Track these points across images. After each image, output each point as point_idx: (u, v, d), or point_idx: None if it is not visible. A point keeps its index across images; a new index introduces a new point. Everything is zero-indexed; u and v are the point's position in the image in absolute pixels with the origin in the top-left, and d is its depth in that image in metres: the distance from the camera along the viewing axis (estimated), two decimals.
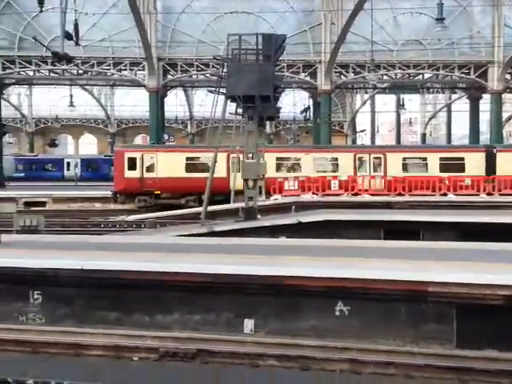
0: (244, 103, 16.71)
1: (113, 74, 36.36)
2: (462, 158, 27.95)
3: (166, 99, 38.71)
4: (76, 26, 19.08)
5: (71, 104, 48.77)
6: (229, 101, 17.08)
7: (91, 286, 9.24)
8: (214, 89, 18.03)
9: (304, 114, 42.30)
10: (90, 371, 7.26)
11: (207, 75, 35.51)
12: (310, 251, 10.42)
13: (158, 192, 27.50)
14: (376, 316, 7.79)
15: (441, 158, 28.07)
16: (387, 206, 21.29)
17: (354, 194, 24.83)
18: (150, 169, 27.75)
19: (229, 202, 26.98)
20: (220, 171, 26.03)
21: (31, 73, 37.04)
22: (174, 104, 55.03)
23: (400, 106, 54.02)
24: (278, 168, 27.95)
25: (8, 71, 34.99)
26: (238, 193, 26.80)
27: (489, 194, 25.03)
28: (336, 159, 28.32)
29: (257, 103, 16.31)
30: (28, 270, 9.29)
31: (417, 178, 25.88)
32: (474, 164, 27.53)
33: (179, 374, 7.16)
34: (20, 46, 34.05)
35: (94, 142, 66.45)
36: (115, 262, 9.40)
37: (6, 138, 50.13)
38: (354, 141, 58.86)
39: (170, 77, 35.49)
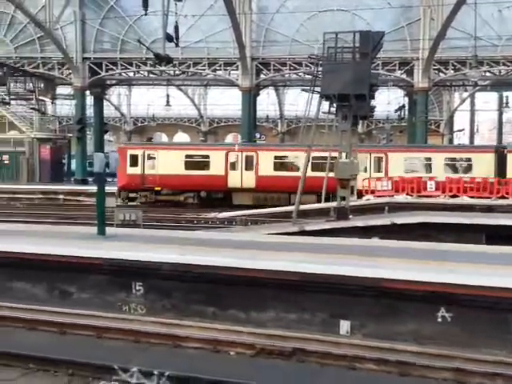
0: (338, 102, 16.53)
1: (207, 74, 37.28)
2: (469, 159, 26.59)
3: (258, 98, 39.09)
4: (176, 28, 19.74)
5: (168, 104, 50.53)
6: (322, 99, 16.99)
7: (189, 280, 9.51)
8: (308, 88, 17.99)
9: (398, 112, 41.20)
10: (189, 363, 7.44)
11: (300, 74, 35.50)
12: (406, 253, 10.12)
13: (159, 188, 27.93)
14: (482, 324, 7.41)
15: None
16: (488, 209, 20.29)
17: (452, 196, 23.82)
18: (151, 166, 28.23)
19: (226, 200, 28.16)
20: (219, 169, 27.40)
21: (131, 74, 38.78)
22: (266, 103, 55.47)
23: (504, 104, 51.17)
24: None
25: (110, 72, 36.81)
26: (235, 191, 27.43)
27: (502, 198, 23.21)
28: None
29: (352, 102, 16.08)
30: (131, 263, 9.71)
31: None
32: (483, 165, 25.73)
33: (276, 372, 7.17)
34: (122, 48, 35.72)
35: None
36: (212, 258, 9.62)
37: (106, 136, 52.72)
38: (450, 140, 56.57)
39: (262, 76, 35.84)
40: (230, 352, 7.82)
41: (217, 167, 27.47)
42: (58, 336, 8.59)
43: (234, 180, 27.48)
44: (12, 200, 30.21)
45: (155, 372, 6.71)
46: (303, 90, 23.98)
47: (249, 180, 27.38)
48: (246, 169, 27.35)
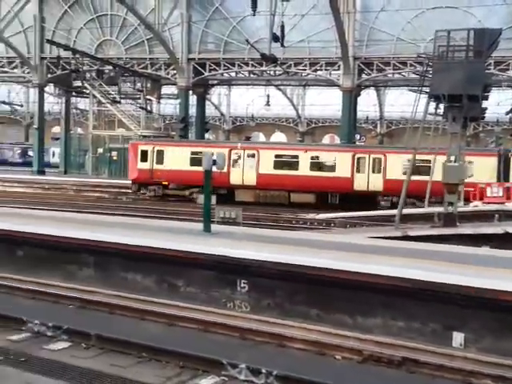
0: (448, 102, 15.85)
1: (308, 74, 37.20)
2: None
3: (358, 99, 38.46)
4: (282, 28, 19.82)
5: (267, 103, 51.05)
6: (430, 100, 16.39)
7: (292, 279, 9.50)
8: (415, 88, 17.41)
9: (510, 114, 38.91)
10: (294, 364, 7.40)
11: (404, 74, 34.49)
12: None
13: (166, 183, 28.86)
14: None
15: None
16: None
17: None
18: (159, 161, 29.06)
19: (229, 196, 28.00)
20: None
21: (233, 74, 39.52)
22: (365, 104, 54.51)
23: None
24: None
25: (213, 73, 37.73)
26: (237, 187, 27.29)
27: None
28: None
29: (463, 103, 15.36)
30: (236, 260, 9.86)
31: None
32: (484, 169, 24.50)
33: (384, 380, 6.98)
34: (225, 49, 36.50)
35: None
36: (315, 259, 9.53)
37: (206, 135, 54.20)
38: None
39: (364, 76, 35.19)
40: (335, 356, 7.71)
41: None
42: (167, 327, 8.89)
43: (236, 177, 27.85)
44: (119, 194, 31.81)
45: (263, 370, 6.76)
46: (410, 90, 23.30)
47: (250, 177, 27.61)
48: (249, 166, 27.82)
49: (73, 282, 11.10)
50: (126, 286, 10.73)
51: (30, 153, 51.83)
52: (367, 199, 26.16)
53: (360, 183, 26.64)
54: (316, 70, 35.63)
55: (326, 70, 35.37)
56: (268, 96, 51.69)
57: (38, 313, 8.99)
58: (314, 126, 65.63)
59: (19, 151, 60.00)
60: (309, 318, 9.10)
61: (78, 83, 39.44)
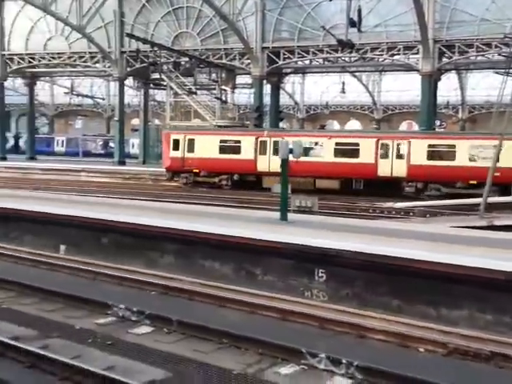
0: None
1: (385, 60, 36.21)
2: None
3: (438, 83, 37.00)
4: (359, 12, 19.32)
5: (343, 91, 50.26)
6: None
7: (372, 269, 9.29)
8: (501, 70, 16.49)
9: None
10: (375, 355, 7.24)
11: (488, 56, 32.77)
12: None
13: (197, 171, 29.48)
14: None
15: None
16: None
17: None
18: (190, 149, 29.67)
19: (256, 183, 28.33)
20: (249, 154, 28.27)
21: (307, 62, 39.12)
22: (446, 88, 52.43)
23: None
24: None
25: (287, 61, 37.52)
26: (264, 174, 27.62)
27: None
28: None
29: None
30: (314, 249, 9.76)
31: None
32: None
33: (470, 374, 6.68)
34: (299, 36, 36.16)
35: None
36: (394, 249, 9.29)
37: (280, 124, 54.09)
38: None
39: (445, 60, 33.78)
40: (418, 348, 7.47)
41: (247, 152, 28.48)
42: (246, 315, 8.96)
43: (263, 164, 28.08)
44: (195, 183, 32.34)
45: (343, 360, 6.65)
46: (496, 72, 22.07)
47: (276, 164, 26.95)
48: (274, 153, 27.13)
49: (154, 268, 11.44)
50: (205, 273, 10.91)
51: (111, 144, 53.89)
52: (391, 185, 25.92)
53: (384, 169, 26.24)
54: (393, 55, 34.57)
55: (404, 54, 34.22)
56: (343, 83, 50.82)
57: (123, 298, 9.32)
58: (390, 112, 63.96)
59: (101, 143, 62.49)
60: (389, 309, 8.89)
61: (155, 75, 40.37)
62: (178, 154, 30.09)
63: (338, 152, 27.07)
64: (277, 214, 13.22)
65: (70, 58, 43.59)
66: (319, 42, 35.13)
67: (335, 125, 68.79)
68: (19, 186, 27.02)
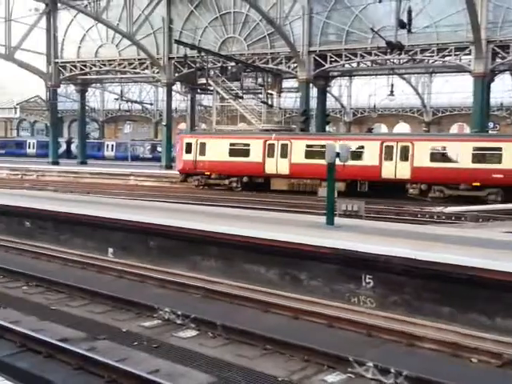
0: None
1: (435, 61, 35.39)
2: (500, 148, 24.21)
3: (491, 84, 35.88)
4: (409, 13, 18.91)
5: (391, 93, 49.46)
6: None
7: (422, 276, 9.00)
8: None
9: None
10: (425, 365, 6.98)
11: None
12: None
13: (208, 173, 30.39)
14: None
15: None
16: None
17: None
18: (202, 153, 30.62)
19: (265, 185, 28.97)
20: (258, 157, 28.92)
21: (354, 64, 38.68)
22: (499, 90, 50.84)
23: None
24: None
25: (334, 64, 37.19)
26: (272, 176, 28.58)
27: None
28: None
29: None
30: (361, 254, 9.55)
31: None
32: None
33: None
34: (347, 39, 35.79)
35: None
36: (445, 255, 8.97)
37: (327, 128, 53.70)
38: None
39: (499, 60, 32.73)
40: (471, 359, 7.17)
41: (256, 155, 29.14)
42: (290, 320, 8.83)
43: (271, 167, 28.80)
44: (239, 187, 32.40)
45: (392, 370, 6.44)
46: None
47: (283, 167, 28.41)
48: (281, 156, 28.37)
49: (197, 272, 11.45)
50: (248, 277, 10.84)
51: (159, 148, 54.69)
52: (395, 187, 26.20)
53: (387, 171, 26.37)
54: (444, 56, 33.69)
55: (455, 55, 33.33)
56: (392, 85, 49.98)
57: (167, 301, 9.36)
58: (440, 115, 62.54)
59: (149, 147, 63.54)
60: (441, 317, 8.58)
61: (202, 80, 40.75)
62: (190, 156, 31.02)
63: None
64: (323, 219, 13.04)
65: (119, 64, 44.55)
66: (367, 45, 34.67)
67: (383, 128, 67.82)
68: (71, 189, 27.75)
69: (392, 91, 49.74)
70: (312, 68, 36.66)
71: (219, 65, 38.40)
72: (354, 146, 26.24)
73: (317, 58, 36.66)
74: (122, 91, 58.83)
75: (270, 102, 39.20)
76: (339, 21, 35.94)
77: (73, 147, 63.36)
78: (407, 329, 8.08)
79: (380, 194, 25.24)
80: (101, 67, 45.54)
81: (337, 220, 13.03)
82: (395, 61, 36.90)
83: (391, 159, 26.36)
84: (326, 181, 25.58)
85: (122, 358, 6.91)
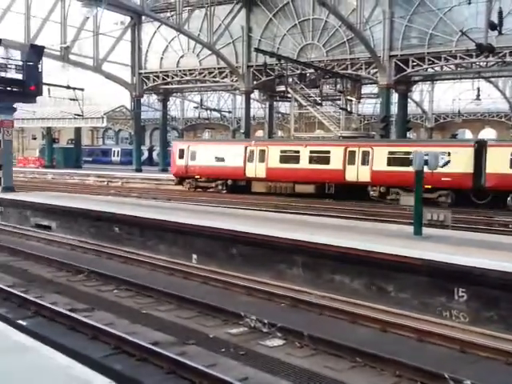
0: None
1: None
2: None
3: None
4: (500, 14, 18.09)
5: (477, 97, 47.49)
6: None
7: None
8: None
9: None
10: None
11: None
12: None
13: (198, 177, 33.35)
14: None
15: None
16: None
17: None
18: (192, 158, 33.46)
19: (247, 188, 31.26)
20: (239, 161, 31.47)
21: (438, 68, 37.51)
22: None
23: None
24: None
25: (416, 69, 36.24)
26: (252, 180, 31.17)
27: None
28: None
29: None
30: (453, 266, 9.17)
31: None
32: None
33: None
34: (430, 42, 34.77)
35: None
36: None
37: (407, 134, 52.35)
38: None
39: None
40: None
41: (237, 160, 31.57)
42: (379, 333, 8.61)
43: (251, 171, 31.12)
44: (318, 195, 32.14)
45: None
46: None
47: (261, 171, 30.86)
48: (260, 161, 30.90)
49: (283, 280, 11.42)
50: (333, 287, 10.69)
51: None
52: (358, 189, 28.15)
53: (350, 175, 28.35)
54: None
55: None
56: (478, 89, 47.92)
57: (253, 309, 9.39)
58: None
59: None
60: None
61: (280, 88, 40.97)
62: (182, 162, 33.92)
63: (313, 159, 29.72)
64: (408, 228, 12.66)
65: (200, 73, 45.62)
66: (451, 48, 33.52)
67: (467, 134, 65.27)
68: (153, 196, 28.62)
69: (478, 95, 47.73)
70: (393, 73, 35.89)
71: (298, 72, 38.44)
72: (317, 150, 30.04)
73: (398, 62, 35.87)
74: (201, 100, 60.18)
75: (349, 109, 38.75)
76: (422, 24, 34.97)
77: (154, 155, 65.48)
78: (505, 346, 7.65)
79: (345, 197, 27.65)
80: (182, 77, 46.83)
81: (424, 230, 12.61)
82: (482, 64, 35.42)
83: (354, 163, 28.33)
84: (299, 183, 28.92)
85: (211, 364, 6.98)
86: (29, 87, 21.08)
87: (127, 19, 47.98)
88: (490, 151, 25.60)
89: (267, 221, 14.90)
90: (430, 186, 24.89)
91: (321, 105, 37.21)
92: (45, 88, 24.40)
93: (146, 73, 48.21)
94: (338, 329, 8.70)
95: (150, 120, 71.05)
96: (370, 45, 35.79)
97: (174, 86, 50.42)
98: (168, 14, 42.72)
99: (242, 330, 8.59)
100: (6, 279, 11.38)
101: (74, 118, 47.94)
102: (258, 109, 59.40)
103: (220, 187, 32.74)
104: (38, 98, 22.68)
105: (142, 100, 51.75)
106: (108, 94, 54.27)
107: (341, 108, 38.31)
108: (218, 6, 42.59)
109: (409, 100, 49.27)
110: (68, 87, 41.51)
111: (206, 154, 33.29)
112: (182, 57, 46.26)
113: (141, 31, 47.90)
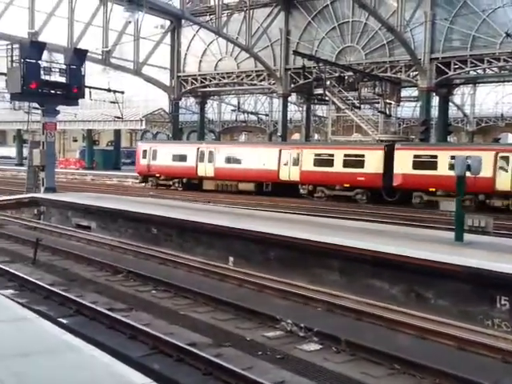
0: None
1: None
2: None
3: None
4: None
5: None
6: None
7: None
8: None
9: None
10: None
11: None
12: None
13: (158, 175, 36.50)
14: None
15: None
16: None
17: None
18: (154, 158, 36.57)
19: (199, 185, 34.46)
20: (192, 162, 34.71)
21: (480, 71, 36.72)
22: None
23: None
24: None
25: (458, 71, 35.56)
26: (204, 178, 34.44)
27: None
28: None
29: None
30: (496, 274, 8.94)
31: None
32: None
33: None
34: (473, 44, 34.08)
35: None
36: None
37: (448, 138, 51.36)
38: None
39: None
40: None
41: (191, 160, 34.78)
42: (417, 340, 8.45)
43: (202, 170, 34.38)
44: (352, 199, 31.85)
45: None
46: None
47: (210, 170, 34.04)
48: (209, 161, 34.04)
49: (319, 284, 11.32)
50: (370, 292, 10.54)
51: None
52: (290, 187, 30.77)
53: (283, 174, 31.27)
54: None
55: None
56: None
57: (289, 312, 9.34)
58: None
59: None
60: None
61: (318, 91, 40.76)
62: (145, 161, 37.03)
63: (253, 160, 32.50)
64: (448, 234, 12.41)
65: (238, 76, 45.86)
66: (495, 50, 32.77)
67: (510, 137, 63.60)
68: (194, 199, 28.85)
69: None
70: (434, 76, 35.32)
71: (336, 75, 38.20)
72: (257, 153, 33.10)
73: (439, 65, 35.28)
74: (238, 102, 60.44)
75: (387, 112, 38.29)
76: (464, 26, 34.30)
77: None
78: None
79: (280, 193, 30.17)
80: (220, 80, 47.16)
81: (465, 236, 12.34)
82: None
83: (286, 164, 31.27)
84: (241, 182, 31.73)
85: (248, 367, 6.97)
86: (72, 90, 21.53)
87: (167, 23, 48.62)
88: (396, 154, 28.20)
89: (301, 224, 14.83)
90: (348, 185, 28.84)
91: (359, 108, 36.85)
92: (86, 91, 24.83)
93: (184, 76, 48.73)
94: (376, 335, 8.57)
95: (187, 123, 71.69)
96: (410, 47, 35.31)
97: (212, 89, 50.80)
98: (207, 18, 43.12)
99: (278, 334, 8.56)
100: (48, 278, 11.64)
101: (114, 121, 48.82)
102: (295, 112, 59.24)
103: (177, 185, 35.78)
104: (79, 101, 23.14)
105: (180, 103, 52.31)
106: (146, 96, 55.07)
107: (379, 111, 37.89)
108: (257, 9, 42.77)
109: (450, 103, 48.40)
110: (109, 90, 42.28)
111: (164, 155, 36.36)
112: (220, 60, 46.59)
113: (180, 35, 48.43)
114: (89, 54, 24.98)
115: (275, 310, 9.45)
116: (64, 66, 22.12)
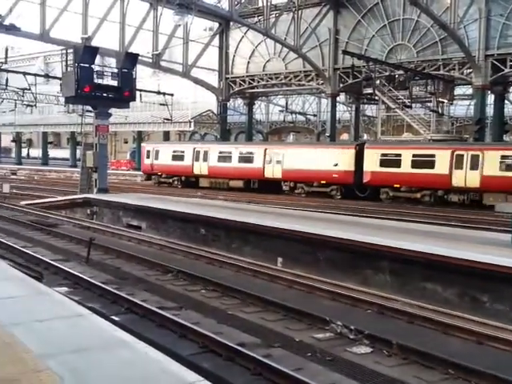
0: None
1: None
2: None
3: None
4: None
5: None
6: None
7: None
8: None
9: None
10: None
11: None
12: None
13: (160, 173, 39.55)
14: None
15: None
16: None
17: None
18: (156, 158, 39.62)
19: (196, 183, 37.75)
20: (189, 161, 37.79)
21: None
22: None
23: None
24: None
25: None
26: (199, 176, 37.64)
27: None
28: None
29: None
30: None
31: None
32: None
33: None
34: None
35: None
36: None
37: (504, 137, 49.65)
38: None
39: None
40: None
41: (188, 159, 37.61)
42: (473, 345, 8.17)
43: (197, 169, 37.21)
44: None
45: None
46: None
47: (204, 169, 36.92)
48: (204, 161, 36.91)
49: (368, 286, 11.13)
50: (422, 295, 10.30)
51: None
52: (274, 184, 33.59)
53: (268, 172, 33.93)
54: None
55: None
56: None
57: (338, 314, 9.20)
58: None
59: None
60: None
61: (367, 90, 40.22)
62: (149, 161, 40.21)
63: (241, 159, 35.22)
64: (505, 236, 11.97)
65: (285, 77, 45.74)
66: None
67: None
68: (235, 199, 28.99)
69: None
70: (489, 73, 34.23)
71: (386, 74, 37.58)
72: (244, 151, 35.82)
73: (495, 62, 34.15)
74: (286, 103, 60.34)
75: (440, 111, 37.38)
76: None
77: None
78: None
79: (265, 190, 32.66)
80: (268, 81, 47.18)
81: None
82: None
83: (270, 163, 33.85)
84: (231, 179, 35.24)
85: (298, 368, 6.90)
86: (123, 93, 22.01)
87: (215, 25, 49.04)
88: (366, 152, 30.26)
89: (346, 224, 14.64)
90: (324, 182, 31.56)
91: (410, 107, 36.13)
92: (137, 93, 25.36)
93: (232, 77, 49.01)
94: (429, 339, 8.34)
95: (235, 123, 72.08)
96: (464, 44, 34.36)
97: (260, 90, 50.89)
98: (255, 19, 43.21)
99: (327, 336, 8.44)
100: (101, 276, 11.89)
101: (164, 122, 49.63)
102: (344, 112, 58.61)
103: (176, 182, 38.66)
104: (130, 103, 23.62)
105: (228, 104, 52.64)
106: (195, 98, 55.71)
107: (431, 110, 37.04)
108: (305, 9, 42.54)
109: (506, 101, 46.84)
110: (159, 92, 43.05)
111: (165, 155, 39.35)
112: (268, 61, 46.61)
113: (228, 37, 48.74)
114: (139, 57, 25.46)
115: (324, 311, 9.31)
116: (116, 70, 22.66)
